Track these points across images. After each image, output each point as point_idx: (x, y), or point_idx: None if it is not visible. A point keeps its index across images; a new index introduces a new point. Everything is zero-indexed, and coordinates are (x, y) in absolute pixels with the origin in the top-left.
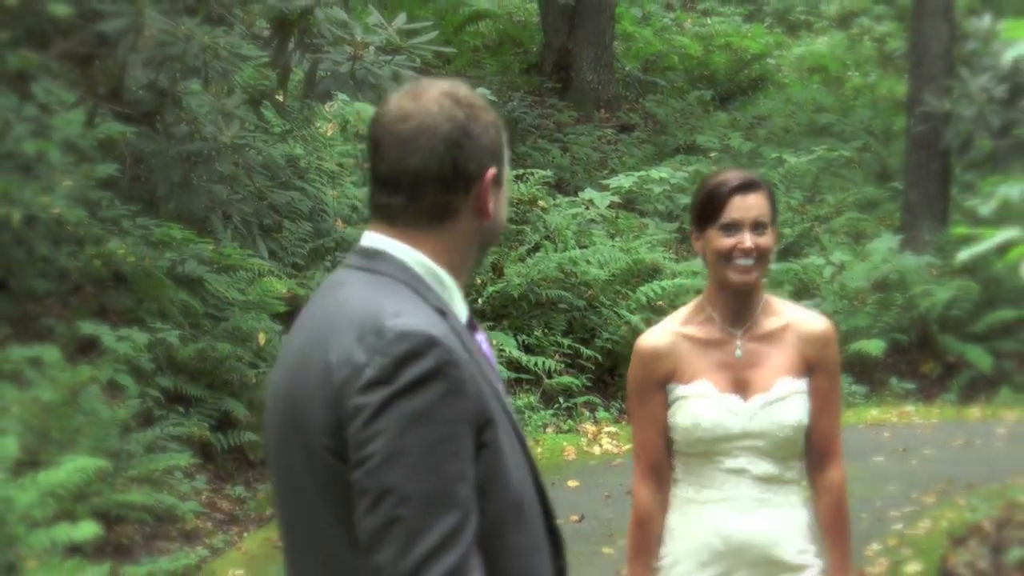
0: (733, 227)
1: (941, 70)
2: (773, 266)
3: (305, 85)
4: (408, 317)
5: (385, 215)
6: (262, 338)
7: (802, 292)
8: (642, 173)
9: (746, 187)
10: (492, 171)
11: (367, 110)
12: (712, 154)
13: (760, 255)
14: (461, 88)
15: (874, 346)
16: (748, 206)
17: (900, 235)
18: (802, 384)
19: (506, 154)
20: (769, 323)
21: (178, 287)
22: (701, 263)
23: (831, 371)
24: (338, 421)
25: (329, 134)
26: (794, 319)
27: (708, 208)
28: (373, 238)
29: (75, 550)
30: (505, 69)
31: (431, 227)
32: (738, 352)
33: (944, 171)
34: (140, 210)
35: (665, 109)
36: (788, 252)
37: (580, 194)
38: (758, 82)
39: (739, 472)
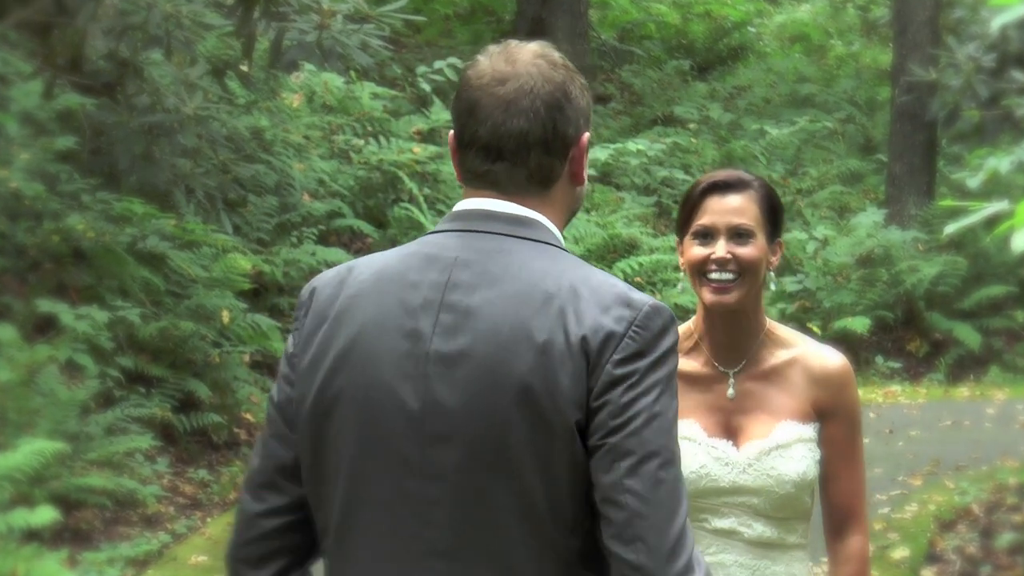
0: (707, 234)
1: (927, 38)
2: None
3: (270, 55)
4: (637, 291)
5: (491, 181)
6: (226, 316)
7: (784, 268)
8: (618, 145)
9: (725, 187)
10: (587, 135)
11: (334, 80)
12: (691, 126)
13: (742, 269)
14: (552, 50)
15: (859, 324)
16: (724, 209)
17: (885, 209)
18: (809, 431)
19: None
20: (771, 358)
21: (139, 264)
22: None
23: (850, 418)
24: (587, 393)
25: (295, 105)
26: (803, 354)
27: (682, 212)
28: (504, 204)
29: (33, 536)
30: (477, 38)
31: (539, 193)
32: (731, 392)
33: (930, 143)
34: (100, 184)
35: (642, 80)
36: None
37: None
38: (738, 51)
39: (728, 534)
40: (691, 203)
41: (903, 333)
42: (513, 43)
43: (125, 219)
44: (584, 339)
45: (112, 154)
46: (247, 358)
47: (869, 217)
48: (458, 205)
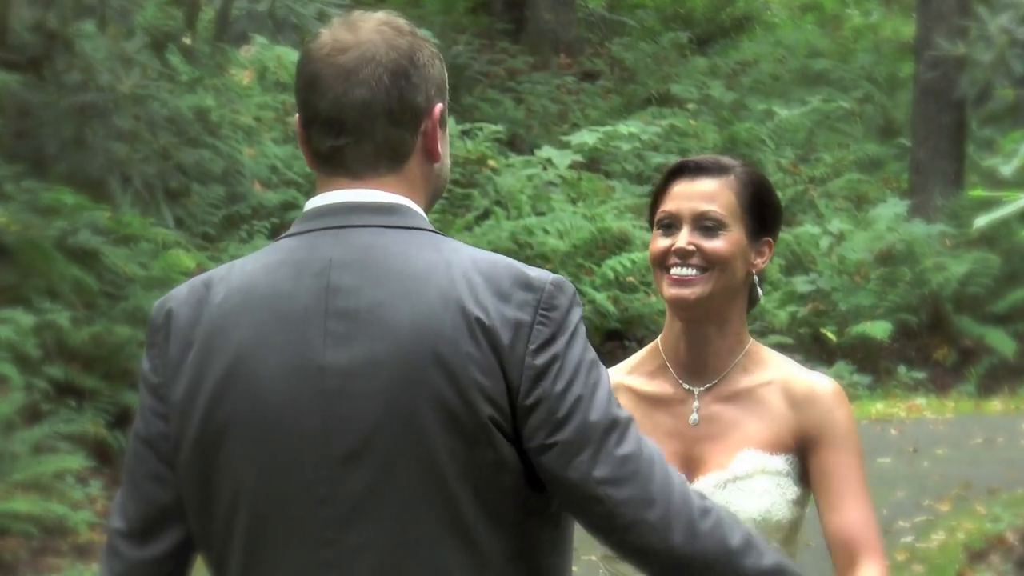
0: (670, 223)
1: (954, 8)
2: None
3: (217, 26)
4: (530, 266)
5: (338, 163)
6: None
7: (795, 266)
8: (608, 128)
9: (697, 169)
10: (440, 106)
11: (289, 55)
12: (689, 106)
13: (708, 264)
14: (399, 18)
15: (879, 329)
16: (691, 194)
17: (908, 199)
18: (777, 463)
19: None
20: (745, 379)
21: (69, 261)
22: None
23: (846, 443)
24: (507, 387)
25: (245, 83)
26: (785, 375)
27: (651, 201)
28: (364, 193)
29: None
30: (449, 8)
31: (392, 172)
32: (693, 417)
33: (958, 125)
34: (25, 171)
35: (634, 54)
36: None
37: (536, 152)
38: (743, 22)
39: None
40: (657, 189)
41: (929, 339)
42: (358, 12)
43: (53, 211)
44: (491, 331)
45: (39, 137)
46: None
47: (890, 209)
48: (313, 201)
